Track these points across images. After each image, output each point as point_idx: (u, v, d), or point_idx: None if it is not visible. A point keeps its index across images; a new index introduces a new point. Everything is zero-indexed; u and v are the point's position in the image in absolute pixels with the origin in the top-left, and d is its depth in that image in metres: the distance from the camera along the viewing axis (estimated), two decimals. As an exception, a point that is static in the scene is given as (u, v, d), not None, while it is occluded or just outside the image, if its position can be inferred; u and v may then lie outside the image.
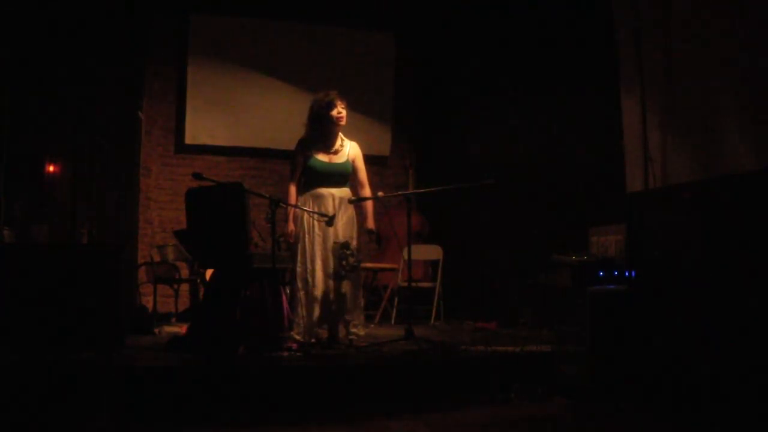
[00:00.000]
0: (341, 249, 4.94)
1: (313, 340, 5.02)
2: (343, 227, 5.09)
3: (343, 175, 5.19)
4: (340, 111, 5.12)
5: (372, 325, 6.65)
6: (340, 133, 5.24)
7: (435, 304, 7.03)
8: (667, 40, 4.71)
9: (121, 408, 3.87)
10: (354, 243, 5.06)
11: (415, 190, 6.70)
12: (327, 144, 5.16)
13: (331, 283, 5.05)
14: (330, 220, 4.97)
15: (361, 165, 5.28)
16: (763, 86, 4.01)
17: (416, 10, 8.32)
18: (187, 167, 7.70)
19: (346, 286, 5.06)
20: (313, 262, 5.02)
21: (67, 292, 4.77)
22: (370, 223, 5.28)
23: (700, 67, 4.46)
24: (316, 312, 5.00)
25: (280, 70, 8.17)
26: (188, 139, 8.07)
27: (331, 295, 5.05)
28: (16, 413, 3.80)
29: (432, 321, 6.94)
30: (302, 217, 5.08)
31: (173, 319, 7.00)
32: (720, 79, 4.32)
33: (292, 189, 5.17)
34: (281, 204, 4.94)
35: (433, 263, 7.30)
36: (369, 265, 6.96)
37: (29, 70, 6.95)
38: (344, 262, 4.92)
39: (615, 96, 5.18)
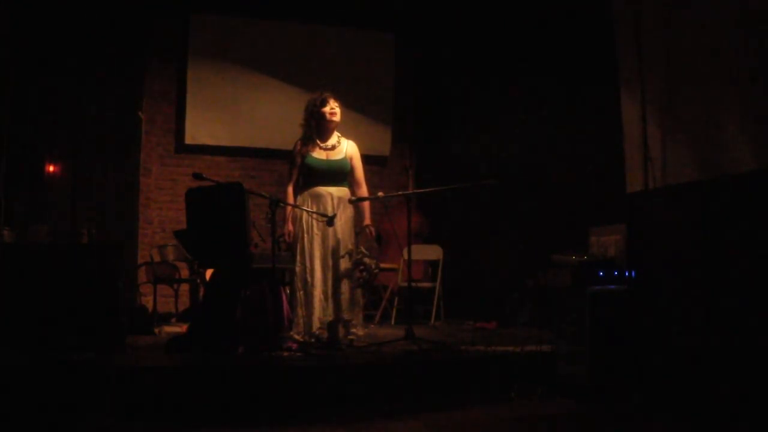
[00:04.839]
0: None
1: (313, 340, 5.02)
2: (342, 227, 5.10)
3: (341, 173, 5.20)
4: (332, 108, 5.18)
5: (372, 325, 6.65)
6: (337, 132, 5.27)
7: (435, 304, 7.03)
8: (667, 40, 4.71)
9: (121, 408, 3.87)
10: (352, 244, 5.08)
11: (415, 190, 6.70)
12: (322, 140, 5.19)
13: (330, 282, 5.06)
14: (330, 220, 4.99)
15: (358, 164, 5.30)
16: (763, 86, 4.01)
17: (416, 10, 8.32)
18: (187, 167, 7.72)
19: (345, 286, 5.07)
20: (312, 261, 5.04)
21: (67, 292, 4.77)
22: (368, 220, 5.29)
23: (700, 67, 4.46)
24: (316, 312, 5.01)
25: (280, 70, 8.18)
26: (188, 139, 8.08)
27: (330, 295, 5.05)
28: (16, 413, 3.80)
29: (432, 321, 6.94)
30: (301, 217, 5.09)
31: (173, 319, 7.01)
32: (720, 79, 4.31)
33: (290, 190, 5.20)
34: (281, 204, 4.95)
35: (433, 263, 7.30)
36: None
37: (29, 70, 6.96)
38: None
39: (615, 95, 5.18)
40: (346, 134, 5.35)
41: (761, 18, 4.02)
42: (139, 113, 7.84)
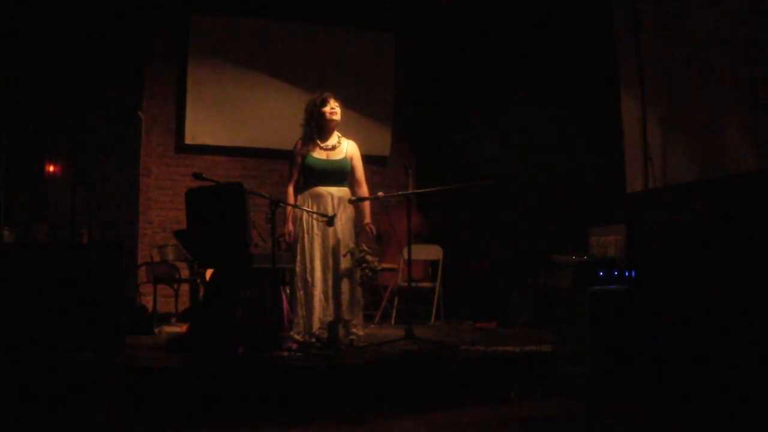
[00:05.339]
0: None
1: (313, 340, 5.02)
2: (342, 227, 5.10)
3: (341, 173, 5.20)
4: (333, 108, 5.18)
5: (372, 325, 6.65)
6: (337, 132, 5.28)
7: (435, 304, 7.03)
8: (667, 40, 4.71)
9: (121, 408, 3.87)
10: (353, 243, 5.09)
11: (415, 190, 6.69)
12: (322, 140, 5.20)
13: (330, 282, 5.06)
14: (330, 220, 4.99)
15: (358, 163, 5.31)
16: (763, 86, 4.01)
17: (416, 10, 8.32)
18: (187, 167, 7.71)
19: (345, 286, 5.07)
20: (312, 261, 5.04)
21: (67, 292, 4.77)
22: (368, 218, 5.29)
23: (700, 67, 4.46)
24: (316, 312, 5.01)
25: (280, 70, 8.18)
26: (188, 139, 8.08)
27: (331, 295, 5.05)
28: (16, 413, 3.80)
29: (432, 321, 6.94)
30: (301, 217, 5.09)
31: (173, 319, 7.01)
32: (720, 79, 4.32)
33: (291, 190, 5.21)
34: (281, 204, 4.95)
35: (433, 263, 7.30)
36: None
37: (29, 69, 6.96)
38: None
39: (615, 96, 5.18)
40: (346, 134, 5.34)
41: (761, 18, 4.02)
42: (139, 113, 7.84)
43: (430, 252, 7.28)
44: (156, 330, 6.08)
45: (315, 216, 5.04)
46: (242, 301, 4.86)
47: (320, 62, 8.22)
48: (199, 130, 8.08)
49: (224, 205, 4.86)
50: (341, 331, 5.09)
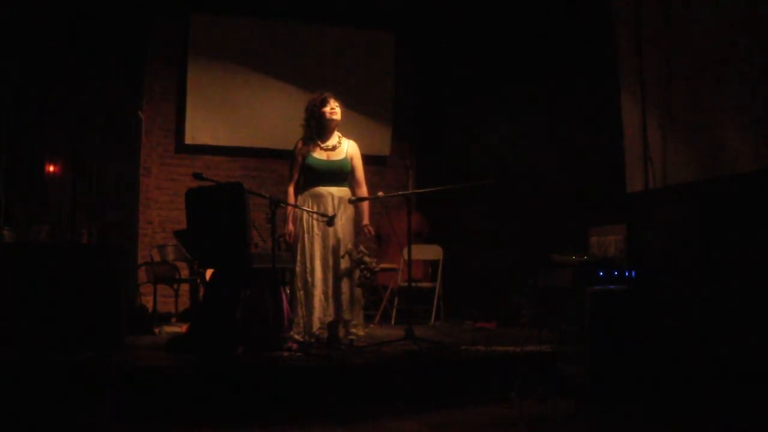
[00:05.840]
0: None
1: (313, 340, 5.02)
2: (343, 227, 5.10)
3: (341, 173, 5.21)
4: (333, 108, 5.19)
5: (372, 325, 6.65)
6: (338, 132, 5.28)
7: (435, 304, 7.03)
8: (667, 40, 4.71)
9: (121, 408, 3.87)
10: (352, 243, 5.10)
11: (415, 190, 6.69)
12: (323, 140, 5.20)
13: (330, 282, 5.06)
14: (330, 220, 4.99)
15: (358, 163, 5.31)
16: (763, 86, 4.01)
17: (416, 10, 8.33)
18: (187, 167, 7.72)
19: (345, 286, 5.07)
20: (312, 261, 5.04)
21: (67, 292, 4.77)
22: (366, 220, 5.30)
23: (700, 67, 4.47)
24: (316, 312, 5.01)
25: (280, 70, 8.18)
26: (188, 139, 8.08)
27: (331, 295, 5.06)
28: (16, 413, 3.80)
29: (432, 321, 6.94)
30: (301, 217, 5.10)
31: (173, 319, 7.01)
32: (720, 79, 4.32)
33: (291, 190, 5.21)
34: (281, 204, 4.95)
35: (433, 263, 7.30)
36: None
37: (29, 70, 6.96)
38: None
39: (615, 96, 5.18)
40: (346, 134, 5.35)
41: (761, 19, 4.02)
42: (139, 113, 7.84)
43: (430, 252, 7.28)
44: (156, 330, 6.08)
45: (315, 216, 5.04)
46: (242, 301, 4.86)
47: (320, 62, 8.22)
48: (199, 130, 8.08)
49: (224, 205, 4.86)
50: (341, 331, 5.09)
